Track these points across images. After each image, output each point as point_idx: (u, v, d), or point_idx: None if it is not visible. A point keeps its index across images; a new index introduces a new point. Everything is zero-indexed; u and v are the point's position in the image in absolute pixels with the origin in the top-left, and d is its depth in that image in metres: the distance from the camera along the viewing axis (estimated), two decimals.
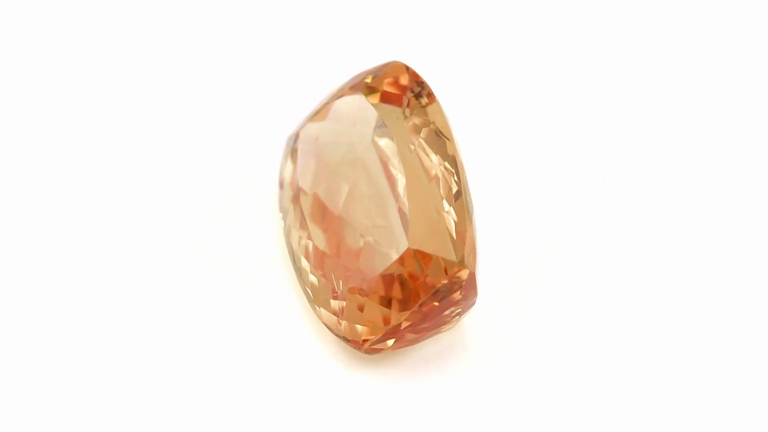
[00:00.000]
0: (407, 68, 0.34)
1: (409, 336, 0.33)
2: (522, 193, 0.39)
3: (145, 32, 0.44)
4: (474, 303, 0.33)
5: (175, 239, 0.38)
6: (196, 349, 0.35)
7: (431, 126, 0.33)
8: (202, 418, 0.34)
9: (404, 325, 0.32)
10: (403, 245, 0.32)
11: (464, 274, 0.32)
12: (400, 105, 0.34)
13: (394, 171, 0.33)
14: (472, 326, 0.36)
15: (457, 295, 0.32)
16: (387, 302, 0.32)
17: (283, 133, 0.41)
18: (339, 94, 0.35)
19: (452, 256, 0.31)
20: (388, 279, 0.32)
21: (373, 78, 0.35)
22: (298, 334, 0.36)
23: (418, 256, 0.32)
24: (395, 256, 0.32)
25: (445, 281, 0.32)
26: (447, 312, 0.33)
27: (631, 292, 0.37)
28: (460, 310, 0.33)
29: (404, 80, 0.34)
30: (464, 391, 0.34)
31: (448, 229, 0.32)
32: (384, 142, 0.33)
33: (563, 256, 0.37)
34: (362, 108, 0.34)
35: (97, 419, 0.34)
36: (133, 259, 0.37)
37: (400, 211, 0.32)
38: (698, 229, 0.38)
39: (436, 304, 0.32)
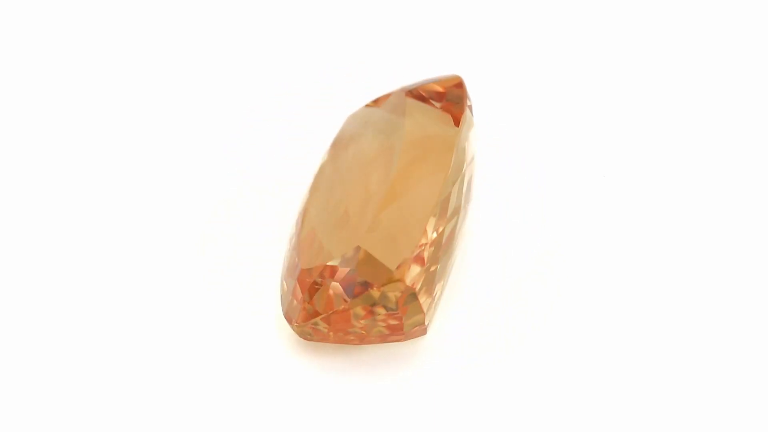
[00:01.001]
0: (462, 84, 0.36)
1: (338, 333, 0.33)
2: (522, 193, 0.39)
3: (146, 33, 0.44)
4: (421, 324, 0.33)
5: (175, 239, 0.38)
6: (195, 348, 0.35)
7: (457, 145, 0.34)
8: (197, 416, 0.34)
9: (327, 321, 0.32)
10: (354, 242, 0.32)
11: (398, 288, 0.32)
12: (441, 110, 0.35)
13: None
14: (472, 326, 0.36)
15: (391, 306, 0.32)
16: (318, 291, 0.32)
17: (284, 133, 0.41)
18: (399, 90, 0.36)
19: (392, 266, 0.32)
20: (328, 270, 0.32)
21: (429, 84, 0.36)
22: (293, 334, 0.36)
23: (361, 256, 0.32)
24: (343, 251, 0.32)
25: (375, 290, 0.32)
26: (381, 323, 0.32)
27: (630, 291, 0.37)
28: (397, 324, 0.33)
29: (454, 94, 0.35)
30: (463, 391, 0.34)
31: (407, 246, 0.32)
32: (408, 143, 0.34)
33: (563, 256, 0.37)
34: (407, 107, 0.35)
35: (96, 416, 0.34)
36: (133, 259, 0.37)
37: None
38: (698, 229, 0.38)
39: (363, 308, 0.32)
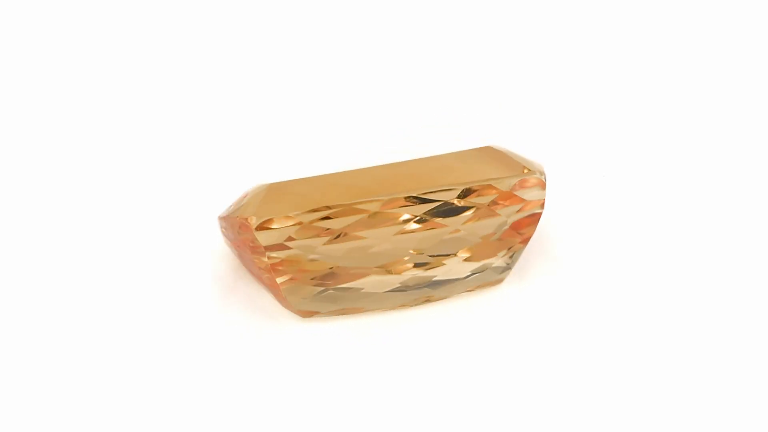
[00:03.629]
0: (542, 185, 0.35)
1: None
2: None
3: (150, 38, 0.45)
4: (274, 285, 0.35)
5: (175, 240, 0.38)
6: (196, 347, 0.35)
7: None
8: (195, 416, 0.34)
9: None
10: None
11: (250, 222, 0.34)
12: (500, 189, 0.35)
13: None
14: (473, 325, 0.36)
15: (246, 239, 0.34)
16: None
17: (282, 132, 0.41)
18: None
19: (260, 213, 0.34)
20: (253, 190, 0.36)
21: (514, 156, 0.36)
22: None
23: (270, 189, 0.35)
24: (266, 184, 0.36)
25: (235, 215, 0.35)
26: (245, 253, 0.35)
27: (630, 291, 0.37)
28: (259, 265, 0.35)
29: (518, 187, 0.35)
30: (460, 390, 0.34)
31: (272, 210, 0.34)
32: (424, 161, 0.35)
33: (563, 255, 0.37)
34: (480, 149, 0.36)
35: (97, 417, 0.34)
36: (133, 260, 0.37)
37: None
38: (698, 229, 0.38)
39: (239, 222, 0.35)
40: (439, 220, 0.35)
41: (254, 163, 0.41)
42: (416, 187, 0.34)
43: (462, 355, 0.35)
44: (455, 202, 0.35)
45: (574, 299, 0.36)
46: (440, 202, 0.34)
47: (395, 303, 0.36)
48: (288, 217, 0.34)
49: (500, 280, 0.36)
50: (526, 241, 0.36)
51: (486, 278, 0.36)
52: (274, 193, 0.35)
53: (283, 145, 0.41)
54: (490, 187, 0.35)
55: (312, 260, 0.35)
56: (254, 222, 0.34)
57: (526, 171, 0.35)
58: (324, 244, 0.34)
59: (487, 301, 0.36)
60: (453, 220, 0.35)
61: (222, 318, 0.36)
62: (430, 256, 0.35)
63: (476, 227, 0.35)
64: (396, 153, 0.39)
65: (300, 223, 0.34)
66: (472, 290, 0.36)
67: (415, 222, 0.35)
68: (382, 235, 0.35)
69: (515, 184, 0.35)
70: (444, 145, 0.40)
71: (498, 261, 0.36)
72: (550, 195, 0.39)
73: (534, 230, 0.36)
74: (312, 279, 0.35)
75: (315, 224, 0.34)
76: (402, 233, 0.35)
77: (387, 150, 0.40)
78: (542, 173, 0.35)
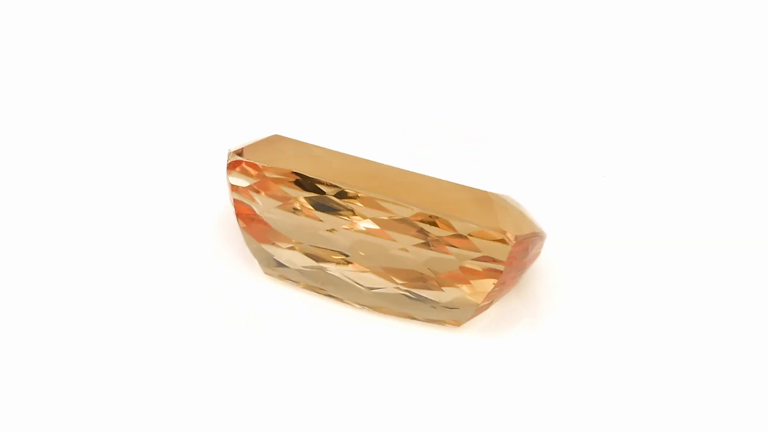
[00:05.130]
0: (512, 244, 0.34)
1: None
2: (522, 193, 0.39)
3: (147, 40, 0.45)
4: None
5: (176, 240, 0.38)
6: (195, 347, 0.35)
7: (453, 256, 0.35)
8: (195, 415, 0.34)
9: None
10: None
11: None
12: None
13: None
14: (473, 325, 0.36)
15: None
16: None
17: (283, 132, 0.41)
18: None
19: (242, 153, 0.36)
20: None
21: (515, 208, 0.35)
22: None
23: (272, 138, 0.36)
24: None
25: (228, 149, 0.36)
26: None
27: (630, 291, 0.37)
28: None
29: (498, 245, 0.34)
30: (462, 392, 0.34)
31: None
32: (424, 178, 0.35)
33: (564, 255, 0.37)
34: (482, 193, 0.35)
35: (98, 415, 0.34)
36: (133, 260, 0.37)
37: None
38: (697, 229, 0.38)
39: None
40: (388, 231, 0.35)
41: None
42: (382, 192, 0.34)
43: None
44: (408, 220, 0.34)
45: (574, 304, 0.36)
46: (393, 214, 0.34)
47: (350, 297, 0.36)
48: (257, 167, 0.35)
49: (458, 323, 0.35)
50: (485, 294, 0.34)
51: (441, 315, 0.35)
52: (271, 143, 0.36)
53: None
54: (446, 222, 0.34)
55: (268, 218, 0.35)
56: (228, 158, 0.35)
57: (496, 225, 0.34)
58: (278, 207, 0.35)
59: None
60: (402, 237, 0.35)
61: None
62: (379, 264, 0.35)
63: (425, 256, 0.35)
64: (396, 153, 0.40)
65: (264, 177, 0.35)
66: (433, 321, 0.36)
67: (363, 223, 0.35)
68: (333, 223, 0.35)
69: (475, 232, 0.34)
70: (444, 145, 0.41)
71: (446, 301, 0.35)
72: (550, 196, 0.39)
73: (491, 287, 0.34)
74: (265, 236, 0.36)
75: (276, 185, 0.35)
76: (351, 229, 0.35)
77: (387, 150, 0.41)
78: (515, 237, 0.34)
